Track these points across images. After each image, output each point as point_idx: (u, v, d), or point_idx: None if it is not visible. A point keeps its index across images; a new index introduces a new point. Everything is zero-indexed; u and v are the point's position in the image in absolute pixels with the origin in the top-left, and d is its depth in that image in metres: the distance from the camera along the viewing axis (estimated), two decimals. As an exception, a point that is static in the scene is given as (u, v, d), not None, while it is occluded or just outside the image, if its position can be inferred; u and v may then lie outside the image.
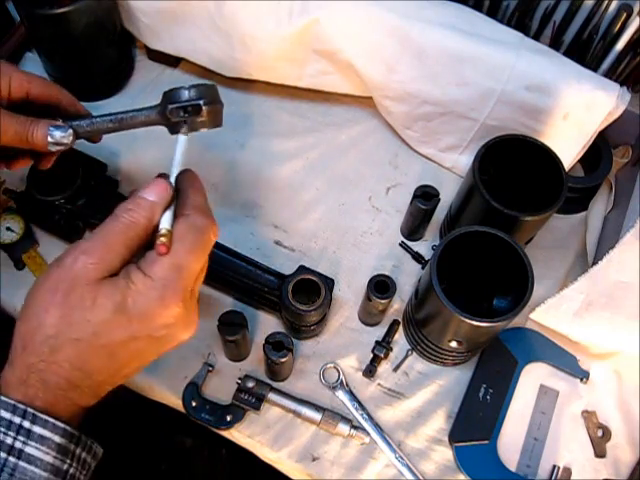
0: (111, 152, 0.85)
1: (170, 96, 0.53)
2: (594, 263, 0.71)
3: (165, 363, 0.73)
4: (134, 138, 0.85)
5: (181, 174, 0.51)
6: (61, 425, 0.45)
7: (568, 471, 0.71)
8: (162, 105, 0.53)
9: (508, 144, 0.71)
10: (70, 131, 0.57)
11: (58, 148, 0.57)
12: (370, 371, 0.74)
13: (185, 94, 0.52)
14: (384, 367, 0.75)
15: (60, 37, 0.80)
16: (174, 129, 0.53)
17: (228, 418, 0.70)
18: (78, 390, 0.46)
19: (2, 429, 0.43)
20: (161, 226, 0.47)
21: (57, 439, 0.45)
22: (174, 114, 0.52)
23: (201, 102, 0.51)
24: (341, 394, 0.73)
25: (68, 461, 0.46)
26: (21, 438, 0.43)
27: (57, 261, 0.46)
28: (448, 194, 0.81)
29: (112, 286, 0.44)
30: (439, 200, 0.75)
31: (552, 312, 0.74)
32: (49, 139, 0.56)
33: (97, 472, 0.57)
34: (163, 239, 0.46)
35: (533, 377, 0.75)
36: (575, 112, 0.76)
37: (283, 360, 0.66)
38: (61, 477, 0.45)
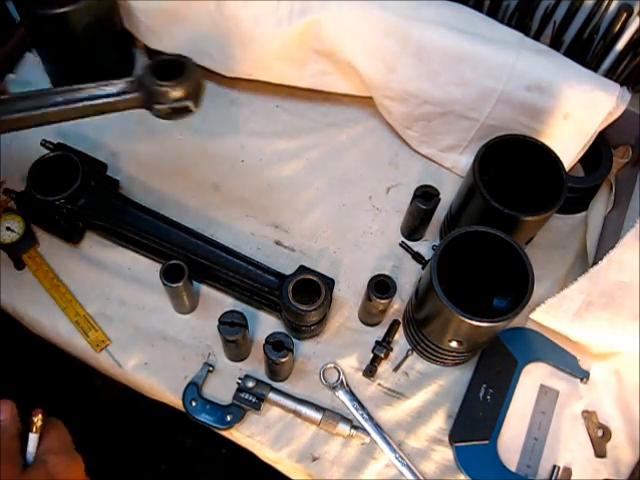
0: (111, 152, 0.85)
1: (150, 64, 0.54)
2: (594, 263, 0.71)
3: (165, 363, 0.73)
4: (134, 138, 0.86)
5: None
6: None
7: (568, 471, 0.71)
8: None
9: (508, 144, 0.71)
10: None
11: None
12: (370, 371, 0.74)
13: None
14: (384, 367, 0.75)
15: (60, 37, 0.80)
16: (150, 105, 0.53)
17: (228, 418, 0.70)
18: None
19: None
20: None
21: None
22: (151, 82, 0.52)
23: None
24: (341, 394, 0.73)
25: None
26: None
27: None
28: (448, 194, 0.81)
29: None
30: (439, 200, 0.75)
31: (552, 312, 0.74)
32: None
33: (97, 472, 0.57)
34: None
35: (533, 377, 0.75)
36: (575, 112, 0.76)
37: (283, 360, 0.66)
38: None
